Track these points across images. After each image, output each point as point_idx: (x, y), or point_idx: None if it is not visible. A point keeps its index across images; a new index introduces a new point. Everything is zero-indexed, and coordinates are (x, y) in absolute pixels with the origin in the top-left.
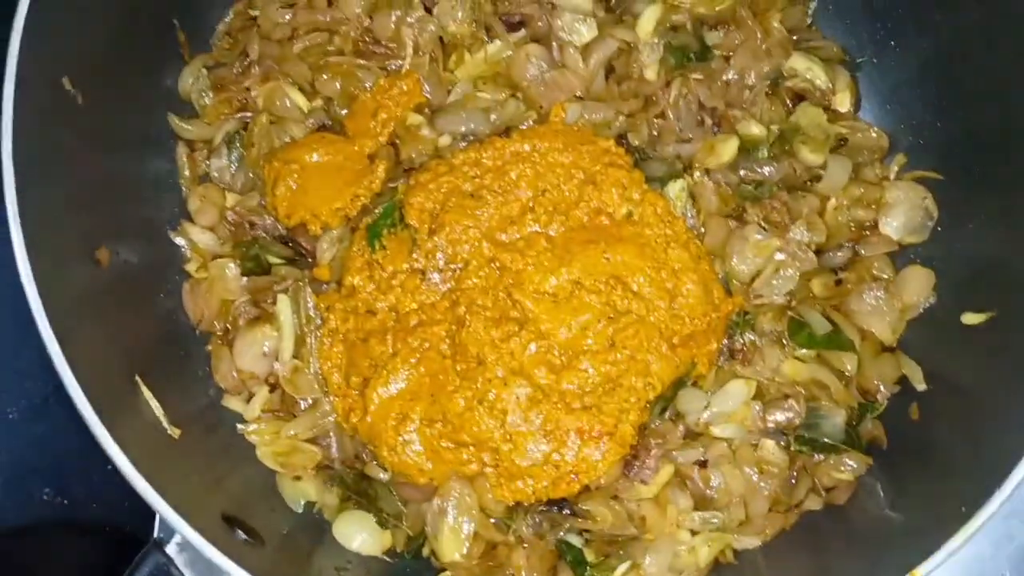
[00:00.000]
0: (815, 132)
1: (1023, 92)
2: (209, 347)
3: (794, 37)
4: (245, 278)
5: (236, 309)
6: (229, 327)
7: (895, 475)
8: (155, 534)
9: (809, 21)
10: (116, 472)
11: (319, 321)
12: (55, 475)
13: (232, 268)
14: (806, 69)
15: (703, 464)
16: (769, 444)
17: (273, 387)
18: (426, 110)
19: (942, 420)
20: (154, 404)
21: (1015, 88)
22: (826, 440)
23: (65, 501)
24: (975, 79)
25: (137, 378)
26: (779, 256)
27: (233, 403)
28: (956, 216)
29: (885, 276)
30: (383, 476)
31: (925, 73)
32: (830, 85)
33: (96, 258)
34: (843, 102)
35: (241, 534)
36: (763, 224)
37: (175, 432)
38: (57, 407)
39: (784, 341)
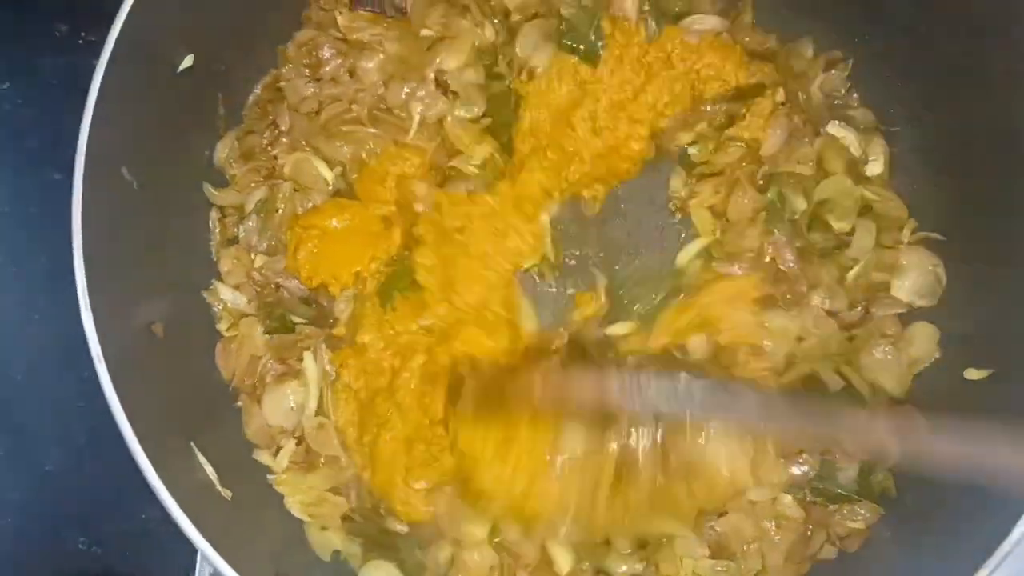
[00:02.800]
0: (844, 200)
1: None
2: (239, 403)
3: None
4: (270, 336)
5: (263, 366)
6: (257, 384)
7: (905, 525)
8: None
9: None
10: (148, 521)
11: (333, 377)
12: (90, 525)
13: (259, 327)
14: (841, 137)
15: (722, 514)
16: (787, 499)
17: (299, 440)
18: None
19: None
20: (208, 468)
21: (1009, 161)
22: (840, 491)
23: (99, 551)
24: (973, 150)
25: (192, 444)
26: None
27: (263, 456)
28: (957, 278)
29: (891, 332)
30: (400, 528)
31: (928, 143)
32: (863, 152)
33: (152, 331)
34: (874, 168)
35: None
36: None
37: (227, 494)
38: (91, 459)
39: None
